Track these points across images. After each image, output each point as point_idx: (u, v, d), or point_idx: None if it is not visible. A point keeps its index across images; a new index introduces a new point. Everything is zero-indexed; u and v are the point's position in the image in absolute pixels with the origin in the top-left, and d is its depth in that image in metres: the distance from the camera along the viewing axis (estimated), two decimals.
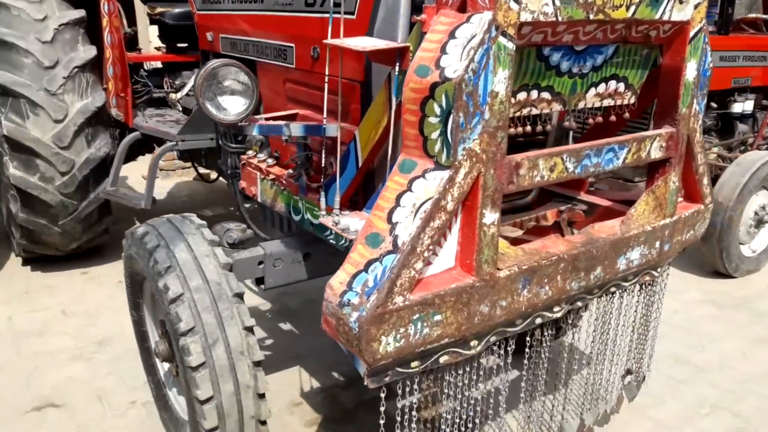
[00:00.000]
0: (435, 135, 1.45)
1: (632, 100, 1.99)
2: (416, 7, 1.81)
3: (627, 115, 2.01)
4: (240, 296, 2.03)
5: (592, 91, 1.85)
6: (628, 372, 2.47)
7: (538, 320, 1.85)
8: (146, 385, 2.66)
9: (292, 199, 2.33)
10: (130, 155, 4.00)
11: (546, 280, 1.74)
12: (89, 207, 3.71)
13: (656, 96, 2.01)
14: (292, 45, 2.35)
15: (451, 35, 1.43)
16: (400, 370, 1.59)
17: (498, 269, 1.62)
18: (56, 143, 3.46)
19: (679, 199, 2.18)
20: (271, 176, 2.45)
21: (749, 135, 5.09)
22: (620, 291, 2.15)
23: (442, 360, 1.66)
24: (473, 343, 1.71)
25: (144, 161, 4.68)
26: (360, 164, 1.93)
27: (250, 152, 2.63)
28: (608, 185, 2.65)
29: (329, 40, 1.72)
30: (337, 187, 1.91)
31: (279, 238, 2.47)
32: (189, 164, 6.00)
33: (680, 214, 2.12)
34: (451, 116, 1.40)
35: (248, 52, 2.69)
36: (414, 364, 1.61)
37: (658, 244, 2.07)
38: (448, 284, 1.53)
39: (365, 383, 1.56)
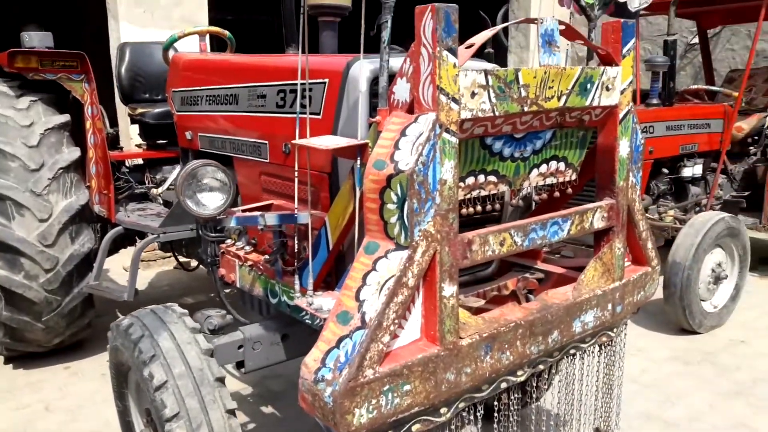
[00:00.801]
0: (394, 219, 1.63)
1: (573, 177, 2.21)
2: (373, 108, 2.04)
3: (570, 190, 2.23)
4: (221, 380, 2.14)
5: (535, 171, 2.07)
6: (597, 430, 2.58)
7: (504, 384, 1.99)
8: None
9: (269, 283, 2.48)
10: (113, 249, 4.11)
11: (506, 346, 1.89)
12: (73, 302, 3.80)
13: (595, 171, 2.24)
14: (266, 142, 2.56)
15: (402, 133, 1.64)
16: None
17: (460, 338, 1.77)
18: (41, 242, 3.58)
19: (627, 264, 2.37)
20: (249, 263, 2.60)
21: (702, 197, 5.40)
22: (580, 352, 2.29)
23: (414, 429, 1.77)
24: (443, 410, 1.83)
25: (125, 253, 4.80)
26: (331, 247, 2.10)
27: (228, 241, 2.79)
28: (573, 252, 2.84)
29: (297, 141, 1.92)
30: (309, 270, 2.07)
31: (257, 322, 2.59)
32: (169, 254, 6.13)
33: (629, 278, 2.31)
34: (407, 203, 1.59)
35: (225, 148, 2.90)
36: None
37: (610, 306, 2.24)
38: (415, 355, 1.67)
39: None
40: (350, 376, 1.53)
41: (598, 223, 2.16)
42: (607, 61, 2.09)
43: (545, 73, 1.84)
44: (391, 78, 1.74)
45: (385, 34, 1.70)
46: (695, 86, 6.02)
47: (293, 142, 1.93)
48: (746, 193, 5.71)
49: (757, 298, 5.12)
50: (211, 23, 6.05)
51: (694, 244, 4.23)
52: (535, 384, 2.25)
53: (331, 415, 1.56)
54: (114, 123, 4.68)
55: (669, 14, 5.01)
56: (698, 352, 4.14)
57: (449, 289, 1.71)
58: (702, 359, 4.05)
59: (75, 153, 3.79)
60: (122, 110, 4.87)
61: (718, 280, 4.52)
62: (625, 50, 2.10)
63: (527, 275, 2.37)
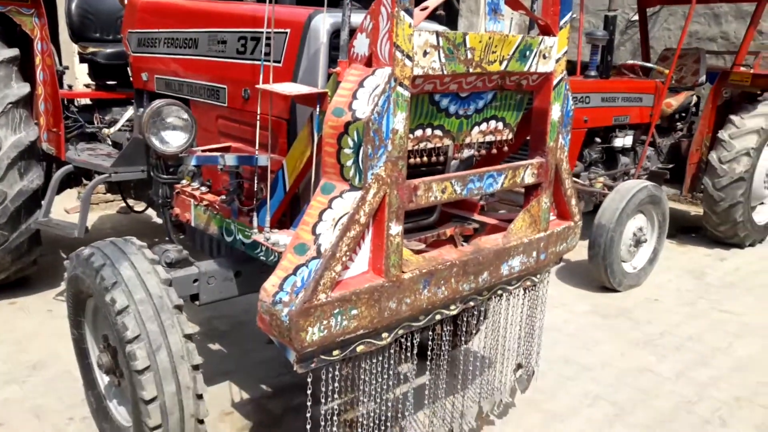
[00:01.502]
0: (349, 163, 1.81)
1: (510, 137, 2.44)
2: (332, 60, 2.19)
3: (506, 149, 2.46)
4: (179, 308, 2.29)
5: (476, 129, 2.28)
6: (519, 366, 2.89)
7: (438, 317, 2.23)
8: (83, 402, 2.83)
9: (224, 222, 2.62)
10: (58, 188, 4.13)
11: (442, 282, 2.12)
12: (19, 238, 3.82)
13: (529, 132, 2.47)
14: (225, 86, 2.67)
15: (361, 84, 1.81)
16: (323, 357, 1.92)
17: (403, 272, 1.98)
18: None
19: (553, 218, 2.64)
20: (205, 202, 2.73)
21: (631, 167, 5.79)
22: (506, 294, 2.56)
23: (358, 349, 2.00)
24: (384, 335, 2.05)
25: (66, 195, 4.80)
26: (287, 189, 2.26)
27: (183, 182, 2.91)
28: (506, 210, 3.10)
29: (261, 85, 2.06)
30: (267, 209, 2.23)
31: (212, 259, 2.74)
32: (113, 197, 6.11)
33: (553, 229, 2.57)
34: (362, 148, 1.77)
35: (182, 91, 2.98)
36: (335, 352, 1.94)
37: (534, 253, 2.50)
38: (363, 284, 1.88)
39: (295, 368, 1.87)
40: (305, 299, 1.73)
41: (529, 179, 2.40)
42: (546, 31, 2.30)
43: (490, 38, 2.03)
44: (352, 33, 1.89)
45: None
46: (631, 61, 6.36)
47: (258, 86, 2.06)
48: (671, 166, 6.16)
49: (673, 262, 5.59)
50: None
51: (618, 209, 4.59)
52: (465, 321, 2.50)
53: (286, 333, 1.76)
54: (60, 62, 4.60)
55: None
56: (615, 308, 4.55)
57: (395, 228, 1.91)
58: (618, 314, 4.46)
59: (24, 88, 3.77)
60: (68, 49, 4.79)
61: (638, 243, 4.92)
62: (562, 22, 2.31)
63: (464, 223, 2.60)
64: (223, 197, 2.62)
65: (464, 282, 2.21)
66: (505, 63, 2.13)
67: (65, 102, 4.19)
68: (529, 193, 2.49)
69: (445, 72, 1.93)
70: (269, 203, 2.24)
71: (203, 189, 2.79)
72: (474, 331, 3.23)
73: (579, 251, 5.35)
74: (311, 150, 2.12)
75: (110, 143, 4.23)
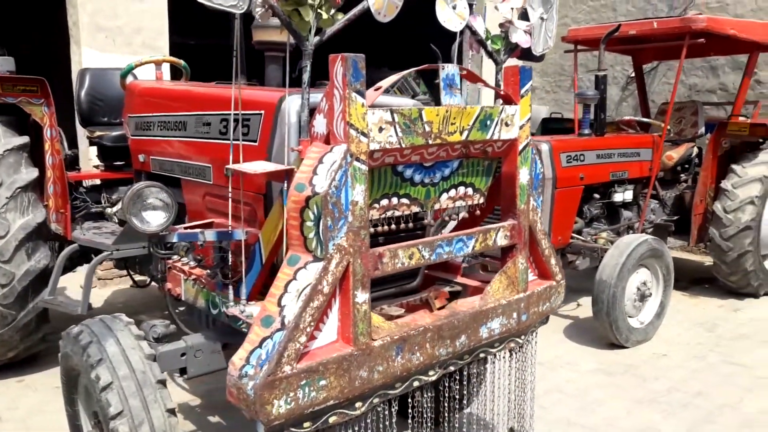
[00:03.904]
0: (311, 235, 1.89)
1: (481, 201, 2.50)
2: None
3: (478, 212, 2.52)
4: (162, 382, 2.35)
5: (445, 195, 2.35)
6: (512, 430, 2.85)
7: (416, 383, 2.24)
8: None
9: (210, 296, 2.70)
10: (69, 266, 4.27)
11: (416, 348, 2.15)
12: (27, 316, 3.93)
13: (500, 196, 2.54)
14: (210, 165, 2.80)
15: (320, 161, 1.91)
16: (294, 430, 1.94)
17: (373, 340, 2.02)
18: None
19: (533, 278, 2.67)
20: (193, 277, 2.82)
21: (634, 220, 5.79)
22: (491, 357, 2.57)
23: (331, 420, 2.01)
24: (358, 404, 2.07)
25: (81, 272, 4.94)
26: (264, 261, 2.34)
27: (176, 257, 3.01)
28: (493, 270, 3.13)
29: (231, 165, 2.17)
30: (243, 282, 2.31)
31: (199, 332, 2.80)
32: (125, 272, 6.25)
33: (533, 290, 2.59)
34: (321, 220, 1.85)
35: (174, 171, 3.13)
36: (306, 424, 1.96)
37: (515, 315, 2.52)
38: (330, 354, 1.92)
39: None
40: (269, 371, 1.77)
41: (501, 241, 2.45)
42: (508, 100, 2.40)
43: (447, 111, 2.13)
44: (312, 113, 2.01)
45: (305, 77, 1.97)
46: (628, 117, 6.46)
47: (228, 166, 2.18)
48: (675, 217, 6.14)
49: (684, 315, 5.50)
50: (173, 48, 6.30)
51: (618, 264, 4.58)
52: (447, 387, 2.50)
53: (252, 406, 1.79)
54: (74, 144, 4.85)
55: (600, 51, 5.43)
56: (622, 365, 4.46)
57: (362, 296, 1.97)
58: (625, 371, 4.37)
59: (33, 173, 3.96)
60: (82, 132, 5.04)
61: (643, 297, 4.87)
62: (522, 91, 2.41)
63: (439, 287, 2.63)
64: (208, 271, 2.70)
65: (440, 347, 2.23)
66: (465, 133, 2.22)
67: (74, 184, 4.38)
68: (505, 255, 2.53)
69: (404, 145, 2.03)
70: (246, 276, 2.32)
71: (192, 263, 2.89)
72: (458, 396, 3.20)
73: (586, 308, 5.31)
74: (283, 223, 2.20)
75: (116, 221, 4.39)
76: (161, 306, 5.65)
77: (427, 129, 2.08)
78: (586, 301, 5.50)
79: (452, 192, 2.37)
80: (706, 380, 4.22)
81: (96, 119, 4.78)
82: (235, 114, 2.42)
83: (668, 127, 5.82)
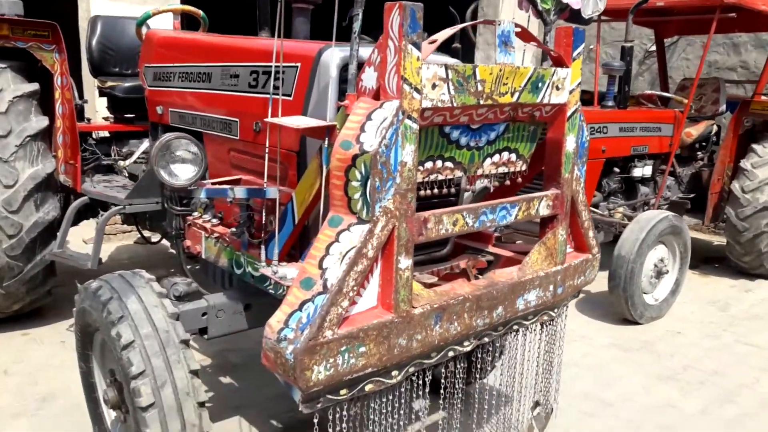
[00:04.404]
0: (357, 196, 1.78)
1: (524, 168, 2.39)
2: (342, 93, 2.18)
3: (520, 180, 2.41)
4: (186, 343, 2.26)
5: (488, 160, 2.24)
6: (537, 404, 2.79)
7: (451, 353, 2.16)
8: None
9: (234, 255, 2.60)
10: (75, 219, 4.16)
11: (455, 317, 2.07)
12: (34, 269, 3.84)
13: (543, 164, 2.43)
14: (237, 120, 2.67)
15: (368, 117, 1.79)
16: (330, 397, 1.86)
17: (413, 307, 1.93)
18: (5, 207, 3.61)
19: (570, 250, 2.57)
20: (215, 235, 2.71)
21: (651, 196, 5.70)
22: (523, 329, 2.49)
23: (367, 388, 1.93)
24: (394, 372, 1.99)
25: (85, 226, 4.82)
26: (296, 222, 2.23)
27: (195, 214, 2.90)
28: (523, 241, 3.04)
29: (269, 119, 2.05)
30: (276, 242, 2.20)
31: (221, 292, 2.71)
32: (130, 228, 6.15)
33: (570, 262, 2.50)
34: (369, 181, 1.74)
35: (196, 124, 3.00)
36: (343, 391, 1.88)
37: (551, 287, 2.44)
38: (371, 320, 1.83)
39: (300, 408, 1.81)
40: (310, 336, 1.68)
41: (544, 211, 2.35)
42: (559, 62, 2.27)
43: (500, 70, 2.00)
44: (360, 66, 1.88)
45: (356, 26, 1.84)
46: (649, 91, 6.31)
47: (265, 120, 2.05)
48: (691, 195, 6.05)
49: (696, 293, 5.45)
50: (182, 2, 6.08)
51: (638, 240, 4.50)
52: (480, 358, 2.43)
53: (291, 371, 1.71)
54: (81, 95, 4.68)
55: (627, 22, 5.26)
56: (637, 341, 4.42)
57: (405, 262, 1.87)
58: (640, 347, 4.33)
59: (43, 122, 3.82)
60: (89, 83, 4.88)
61: (659, 274, 4.81)
62: (575, 54, 2.28)
63: (477, 256, 2.54)
64: (233, 229, 2.60)
65: (478, 317, 2.15)
66: (516, 94, 2.09)
67: (83, 135, 4.24)
68: (544, 225, 2.43)
69: (455, 104, 1.91)
70: (278, 236, 2.21)
71: (214, 221, 2.78)
72: (489, 368, 3.14)
73: (599, 283, 5.25)
74: (320, 182, 2.09)
75: (126, 175, 4.26)
76: (168, 263, 5.57)
77: (480, 88, 1.96)
78: (598, 275, 5.46)
79: (496, 157, 2.26)
80: (720, 359, 4.18)
81: (107, 69, 4.61)
82: (270, 66, 2.29)
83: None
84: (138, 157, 4.10)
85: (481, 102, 1.98)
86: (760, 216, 5.58)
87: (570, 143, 2.35)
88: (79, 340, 2.64)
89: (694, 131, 6.09)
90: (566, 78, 2.26)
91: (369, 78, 1.84)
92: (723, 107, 6.17)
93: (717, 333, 4.66)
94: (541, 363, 2.72)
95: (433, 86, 1.83)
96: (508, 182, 2.38)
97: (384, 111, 1.77)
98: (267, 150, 2.15)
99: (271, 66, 2.41)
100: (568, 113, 2.32)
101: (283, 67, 2.36)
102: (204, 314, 2.57)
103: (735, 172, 5.82)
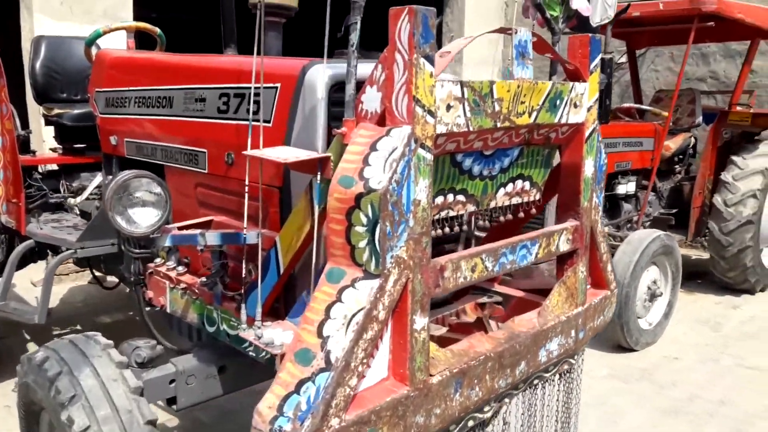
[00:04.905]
0: (362, 244, 1.45)
1: (537, 197, 2.11)
2: (333, 117, 1.85)
3: (534, 210, 2.12)
4: (153, 424, 1.89)
5: (501, 191, 1.94)
6: None
7: (471, 423, 1.84)
8: None
9: (205, 309, 2.23)
10: (21, 263, 3.70)
11: (476, 381, 1.74)
12: None
13: (558, 191, 2.14)
14: (204, 150, 2.32)
15: (373, 147, 1.47)
16: None
17: (430, 375, 1.60)
18: None
19: (587, 287, 2.29)
20: (182, 285, 2.34)
21: (633, 213, 5.51)
22: (542, 382, 2.18)
23: None
24: None
25: (34, 267, 4.35)
26: (281, 271, 1.89)
27: (158, 260, 2.52)
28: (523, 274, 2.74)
29: (249, 152, 1.71)
30: (258, 297, 1.85)
31: (191, 351, 2.34)
32: (84, 269, 5.65)
33: (590, 302, 2.22)
34: (378, 225, 1.42)
35: (155, 156, 2.63)
36: None
37: (573, 332, 2.14)
38: (383, 398, 1.49)
39: None
40: (313, 428, 1.34)
41: (564, 246, 2.06)
42: (575, 76, 2.00)
43: (518, 87, 1.72)
44: (359, 86, 1.57)
45: (354, 37, 1.52)
46: (627, 104, 6.17)
47: (246, 152, 1.71)
48: (674, 211, 5.89)
49: (684, 313, 5.25)
50: (134, 20, 5.68)
51: (632, 262, 4.27)
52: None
53: None
54: (25, 125, 4.24)
55: (606, 33, 5.09)
56: (636, 369, 4.17)
57: (421, 321, 1.54)
58: (640, 376, 4.08)
59: None
60: (34, 111, 4.44)
61: (653, 297, 4.59)
62: (592, 66, 2.01)
63: (487, 299, 2.23)
64: (204, 279, 2.24)
65: (500, 377, 1.83)
66: (534, 114, 1.81)
67: (27, 169, 3.80)
68: (563, 262, 2.14)
69: (471, 128, 1.60)
70: (260, 289, 1.86)
71: (180, 269, 2.41)
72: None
73: None
74: (310, 225, 1.76)
75: (77, 213, 3.83)
76: (126, 306, 5.10)
77: (497, 108, 1.66)
78: None
79: (509, 186, 1.96)
80: (725, 386, 3.96)
81: (53, 95, 4.17)
82: (243, 88, 1.96)
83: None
84: (91, 193, 3.68)
85: (498, 124, 1.69)
86: (744, 230, 5.44)
87: (588, 167, 2.08)
88: (23, 418, 2.22)
89: (673, 144, 5.95)
90: (584, 94, 1.99)
91: (371, 99, 1.52)
92: (700, 119, 6.06)
93: (714, 356, 4.45)
94: (559, 416, 2.41)
95: (448, 108, 1.52)
96: (522, 214, 2.08)
97: (392, 139, 1.45)
98: (247, 187, 1.80)
99: (243, 88, 2.08)
100: (586, 133, 2.04)
101: (261, 88, 2.03)
102: (172, 381, 2.19)
103: (716, 185, 5.68)
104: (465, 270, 1.68)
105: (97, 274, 4.24)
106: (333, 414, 1.37)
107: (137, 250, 2.65)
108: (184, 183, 2.49)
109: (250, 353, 2.04)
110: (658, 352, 4.50)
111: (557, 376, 2.29)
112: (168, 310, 2.46)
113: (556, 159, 2.13)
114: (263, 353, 1.97)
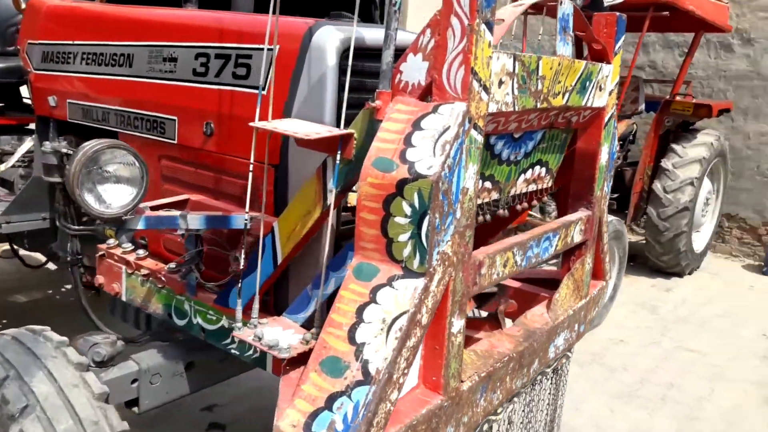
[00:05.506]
0: (404, 237, 1.25)
1: (550, 184, 1.97)
2: (341, 88, 1.62)
3: (545, 198, 1.98)
4: None
5: (522, 177, 1.78)
6: None
7: (486, 427, 1.69)
8: None
9: (174, 300, 1.96)
10: None
11: (498, 384, 1.60)
12: None
13: (570, 179, 2.01)
14: (174, 118, 2.02)
15: (416, 126, 1.26)
16: None
17: (461, 382, 1.44)
18: None
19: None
20: (144, 271, 2.05)
21: None
22: (543, 378, 2.08)
23: None
24: None
25: None
26: (280, 261, 1.65)
27: (110, 241, 2.20)
28: None
29: (257, 123, 1.45)
30: (257, 292, 1.60)
31: (154, 348, 2.05)
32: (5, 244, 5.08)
33: (591, 294, 2.12)
34: (427, 218, 1.22)
35: (108, 121, 2.29)
36: None
37: (576, 326, 2.05)
38: (418, 410, 1.32)
39: None
40: None
41: (577, 237, 1.94)
42: (600, 57, 1.86)
43: (559, 64, 1.55)
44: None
45: None
46: None
47: (254, 124, 1.45)
48: (615, 195, 6.00)
49: (624, 296, 5.36)
50: None
51: None
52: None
53: None
54: None
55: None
56: (586, 353, 4.20)
57: (458, 324, 1.37)
58: (591, 360, 4.11)
59: None
60: None
61: None
62: (617, 47, 1.88)
63: (505, 296, 2.08)
64: (172, 265, 1.96)
65: (518, 378, 1.70)
66: (567, 95, 1.65)
67: None
68: (570, 253, 2.02)
69: (516, 108, 1.43)
70: (259, 280, 1.61)
71: (141, 252, 2.10)
72: None
73: None
74: (321, 211, 1.53)
75: None
76: (44, 283, 4.63)
77: (539, 87, 1.49)
78: None
79: (529, 173, 1.81)
80: (670, 370, 4.08)
81: None
82: (228, 48, 1.70)
83: None
84: (18, 161, 3.23)
85: (538, 105, 1.52)
86: (681, 216, 5.62)
87: (604, 154, 1.96)
88: None
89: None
90: (609, 76, 1.86)
91: (413, 69, 1.31)
92: (643, 106, 6.18)
93: (656, 339, 4.58)
94: (549, 409, 2.32)
95: (500, 83, 1.33)
96: (534, 203, 1.94)
97: (442, 118, 1.25)
98: (252, 164, 1.53)
99: (228, 48, 1.81)
100: (606, 118, 1.92)
101: (250, 50, 1.76)
102: (134, 381, 1.91)
103: (655, 172, 5.82)
104: (499, 265, 1.52)
105: (23, 253, 3.78)
106: None
107: (75, 227, 2.33)
108: (144, 154, 2.15)
109: (232, 351, 1.80)
110: (605, 335, 4.56)
111: (553, 370, 2.20)
112: (124, 298, 2.15)
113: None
114: (251, 351, 1.75)
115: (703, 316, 5.11)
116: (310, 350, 1.50)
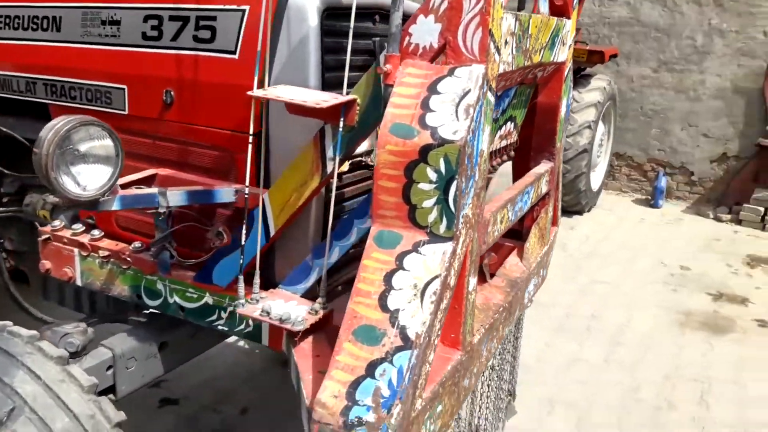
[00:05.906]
0: (429, 203, 1.26)
1: (515, 139, 2.03)
2: (326, 50, 1.57)
3: (512, 154, 2.05)
4: (121, 426, 1.54)
5: (498, 133, 1.83)
6: (510, 393, 2.55)
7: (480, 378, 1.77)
8: None
9: (144, 280, 1.86)
10: None
11: (495, 334, 1.67)
12: None
13: (531, 132, 2.09)
14: (123, 87, 1.86)
15: (432, 90, 1.26)
16: None
17: (472, 335, 1.49)
18: None
19: None
20: (103, 252, 1.91)
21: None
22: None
23: None
24: (452, 424, 1.54)
25: None
26: (272, 234, 1.60)
27: (56, 222, 2.03)
28: None
29: (255, 92, 1.37)
30: (257, 266, 1.54)
31: (123, 332, 1.94)
32: None
33: (550, 239, 2.24)
34: (455, 182, 1.23)
35: (35, 92, 2.07)
36: None
37: (542, 271, 2.16)
38: (444, 367, 1.35)
39: None
40: (405, 413, 1.16)
41: (544, 188, 2.03)
42: (560, 12, 1.92)
43: (541, 21, 1.59)
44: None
45: None
46: None
47: (252, 93, 1.36)
48: None
49: None
50: None
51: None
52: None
53: None
54: None
55: None
56: None
57: (473, 282, 1.41)
58: None
59: None
60: None
61: None
62: (575, 2, 1.94)
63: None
64: (137, 244, 1.85)
65: (506, 326, 1.78)
66: (542, 52, 1.70)
67: None
68: (535, 204, 2.12)
69: (514, 67, 1.45)
70: (259, 255, 1.55)
71: (96, 233, 1.96)
72: None
73: None
74: (320, 180, 1.49)
75: None
76: None
77: (528, 45, 1.52)
78: None
79: (503, 129, 1.86)
80: (590, 302, 4.41)
81: None
82: (184, 9, 1.59)
83: None
84: None
85: (525, 63, 1.55)
86: (580, 158, 5.98)
87: (564, 107, 2.04)
88: None
89: None
90: (569, 32, 1.92)
91: (425, 32, 1.29)
92: None
93: (571, 275, 4.91)
94: (513, 352, 2.46)
95: (505, 44, 1.35)
96: (505, 157, 2.00)
97: (460, 81, 1.25)
98: (251, 133, 1.44)
99: (185, 9, 1.69)
100: (565, 72, 1.99)
101: (217, 10, 1.65)
102: (109, 368, 1.81)
103: None
104: (498, 222, 1.57)
105: None
106: (418, 395, 1.20)
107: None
108: None
109: (219, 327, 1.75)
110: None
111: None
112: (79, 282, 2.00)
113: None
114: (241, 327, 1.70)
115: (607, 250, 5.53)
116: (320, 320, 1.50)
